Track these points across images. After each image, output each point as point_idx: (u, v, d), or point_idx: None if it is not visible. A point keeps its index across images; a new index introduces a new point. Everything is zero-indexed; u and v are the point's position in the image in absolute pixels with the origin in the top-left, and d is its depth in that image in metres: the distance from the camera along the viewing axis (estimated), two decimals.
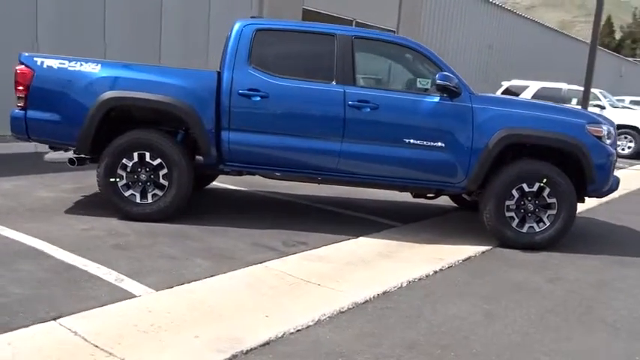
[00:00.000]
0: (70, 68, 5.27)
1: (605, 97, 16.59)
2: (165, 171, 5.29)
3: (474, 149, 5.22)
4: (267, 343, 3.15)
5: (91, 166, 7.68)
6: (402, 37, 5.60)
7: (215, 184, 7.21)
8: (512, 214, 5.33)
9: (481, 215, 5.43)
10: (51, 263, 4.09)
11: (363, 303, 3.81)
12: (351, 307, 3.73)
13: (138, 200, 5.32)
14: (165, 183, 5.30)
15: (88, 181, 6.95)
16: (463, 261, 4.93)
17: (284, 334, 3.27)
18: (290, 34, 5.49)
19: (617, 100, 18.76)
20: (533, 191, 5.29)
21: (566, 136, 5.21)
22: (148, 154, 5.28)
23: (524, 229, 5.35)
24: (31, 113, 5.30)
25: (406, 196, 6.55)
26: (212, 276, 4.09)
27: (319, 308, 3.66)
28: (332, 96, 5.25)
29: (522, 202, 5.33)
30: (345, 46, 5.32)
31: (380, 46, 5.64)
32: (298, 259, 4.64)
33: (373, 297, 3.92)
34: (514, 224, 5.33)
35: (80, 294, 3.59)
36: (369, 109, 5.22)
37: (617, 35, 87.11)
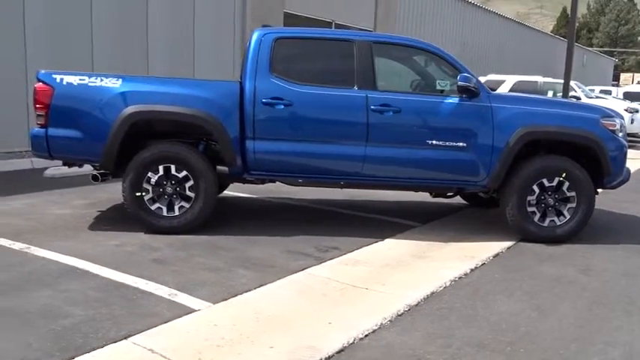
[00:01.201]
0: (90, 84, 5.21)
1: (579, 87, 17.04)
2: (191, 183, 5.28)
3: (495, 148, 5.35)
4: (342, 350, 3.21)
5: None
6: (418, 40, 5.70)
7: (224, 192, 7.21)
8: (534, 208, 5.48)
9: (503, 211, 5.57)
10: (99, 282, 4.06)
11: (417, 305, 3.89)
12: (407, 309, 3.80)
13: (164, 213, 5.30)
14: (192, 195, 5.30)
15: (97, 196, 6.90)
16: (493, 257, 5.05)
17: (354, 340, 3.32)
18: (309, 42, 5.55)
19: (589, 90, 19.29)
20: (553, 186, 5.45)
21: (584, 131, 5.39)
22: (173, 167, 5.26)
23: (546, 223, 5.50)
24: (52, 131, 5.23)
25: (414, 196, 6.66)
26: (261, 286, 4.12)
27: (377, 312, 3.73)
28: (354, 101, 5.32)
29: (543, 197, 5.48)
30: (364, 52, 5.39)
31: (397, 50, 5.73)
32: (337, 265, 4.70)
33: (424, 298, 4.01)
34: (536, 219, 5.49)
35: (141, 311, 3.58)
36: (391, 113, 5.31)
37: None
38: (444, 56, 5.51)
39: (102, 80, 5.22)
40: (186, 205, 5.31)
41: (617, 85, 40.21)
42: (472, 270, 4.68)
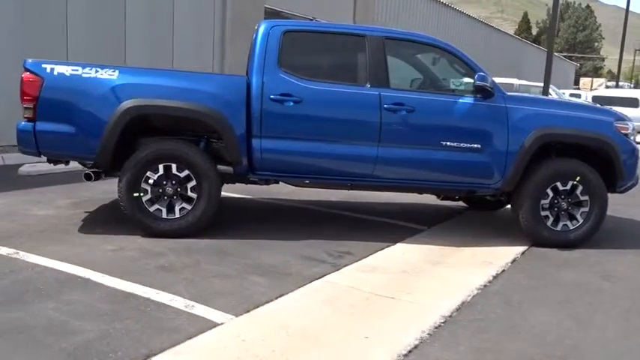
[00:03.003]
0: (84, 75, 4.82)
1: (554, 91, 17.22)
2: (193, 183, 4.94)
3: (510, 150, 5.18)
4: None
5: (77, 179, 7.24)
6: (431, 37, 5.47)
7: None
8: (547, 213, 5.34)
9: (515, 215, 5.41)
10: (104, 292, 3.70)
11: (451, 316, 3.66)
12: (442, 320, 3.57)
13: (164, 215, 4.95)
14: (194, 196, 4.96)
15: (80, 195, 6.50)
16: (511, 263, 4.88)
17: (399, 357, 3.08)
18: (318, 36, 5.27)
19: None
20: (566, 189, 5.32)
21: (600, 134, 5.27)
22: (174, 166, 4.91)
23: (559, 228, 5.36)
24: (40, 125, 4.82)
25: (412, 198, 6.48)
26: (282, 295, 3.83)
27: (412, 324, 3.50)
28: (367, 99, 5.07)
29: (556, 201, 5.34)
30: (376, 48, 5.14)
31: (410, 47, 5.51)
32: (354, 271, 4.44)
33: (456, 308, 3.79)
34: (549, 223, 5.34)
35: (159, 325, 3.26)
36: (405, 112, 5.08)
37: (534, 31, 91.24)
38: (457, 54, 5.31)
39: (97, 71, 4.84)
40: (188, 207, 4.97)
41: (578, 89, 41.18)
42: (495, 277, 4.49)
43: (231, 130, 4.91)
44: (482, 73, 5.08)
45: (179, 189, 4.96)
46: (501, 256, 5.06)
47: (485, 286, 4.27)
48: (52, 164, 5.50)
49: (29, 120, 4.83)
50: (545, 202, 5.32)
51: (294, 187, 5.72)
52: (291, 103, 4.97)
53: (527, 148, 5.17)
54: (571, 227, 5.37)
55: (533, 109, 5.28)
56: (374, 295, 3.96)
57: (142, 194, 4.90)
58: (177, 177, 4.94)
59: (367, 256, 4.82)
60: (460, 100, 5.18)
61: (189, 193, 4.96)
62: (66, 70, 4.82)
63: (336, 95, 5.06)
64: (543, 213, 5.33)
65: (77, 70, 4.83)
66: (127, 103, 4.77)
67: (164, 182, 4.94)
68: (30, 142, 4.85)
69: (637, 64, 70.76)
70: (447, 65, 5.41)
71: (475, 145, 5.17)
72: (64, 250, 4.48)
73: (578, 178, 5.28)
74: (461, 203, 7.12)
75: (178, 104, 4.81)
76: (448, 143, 5.14)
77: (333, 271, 4.38)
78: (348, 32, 5.25)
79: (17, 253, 4.35)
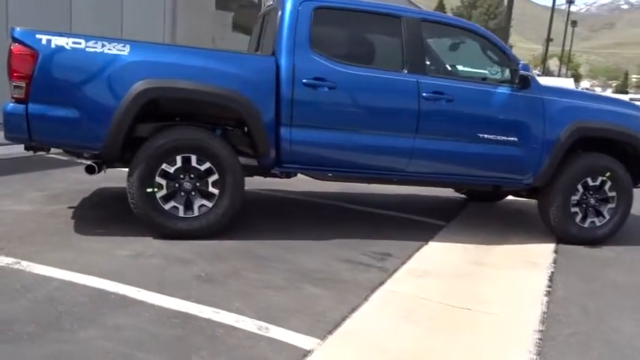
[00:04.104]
0: (88, 49, 4.07)
1: None
2: (215, 177, 4.35)
3: (546, 143, 4.94)
4: None
5: (28, 165, 6.39)
6: (469, 22, 5.12)
7: None
8: (577, 209, 5.18)
9: (544, 212, 5.21)
10: (152, 312, 3.10)
11: (543, 330, 3.35)
12: (539, 337, 3.26)
13: (181, 214, 4.33)
14: (216, 192, 4.36)
15: (51, 186, 5.73)
16: (553, 263, 4.67)
17: None
18: (352, 14, 4.73)
19: None
20: (596, 185, 5.17)
21: (631, 130, 5.14)
22: (194, 158, 4.29)
23: (586, 224, 5.22)
24: (34, 108, 4.04)
25: (405, 188, 6.12)
26: (353, 311, 3.38)
27: (511, 342, 3.18)
28: (405, 87, 4.65)
29: (585, 197, 5.19)
30: (413, 30, 4.71)
31: (447, 31, 5.10)
32: (408, 277, 4.06)
33: (540, 321, 3.49)
34: (577, 220, 5.19)
35: (243, 355, 2.73)
36: (444, 102, 4.70)
37: None
38: (494, 41, 4.98)
39: (104, 45, 4.10)
40: (208, 205, 4.37)
41: None
42: (550, 280, 4.25)
43: (260, 117, 4.35)
44: (524, 63, 4.79)
45: (198, 184, 4.35)
46: (538, 255, 4.86)
47: (548, 291, 4.01)
48: (30, 151, 4.70)
49: (19, 101, 4.03)
50: (575, 198, 5.15)
51: (291, 179, 5.23)
52: (326, 89, 4.47)
53: (563, 143, 4.96)
54: (598, 224, 5.24)
55: (568, 101, 5.07)
56: (446, 306, 3.59)
57: (156, 190, 4.24)
58: (196, 170, 4.32)
59: (408, 258, 4.44)
60: (498, 90, 4.87)
61: (211, 189, 4.36)
62: (66, 42, 4.05)
63: (373, 81, 4.60)
64: (573, 209, 5.16)
65: (79, 44, 4.07)
66: (142, 84, 4.08)
67: (181, 176, 4.31)
68: (20, 127, 4.06)
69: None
70: (483, 52, 5.06)
71: (512, 139, 4.89)
72: (73, 257, 3.79)
73: (608, 174, 5.15)
74: (457, 193, 6.91)
75: (204, 88, 4.18)
76: (486, 136, 4.83)
77: (387, 278, 3.97)
78: (383, 12, 4.75)
79: (18, 262, 3.61)
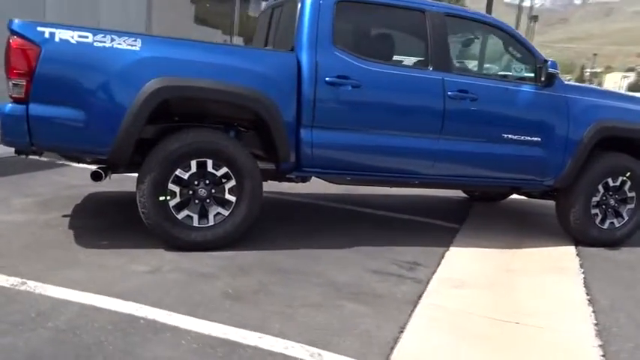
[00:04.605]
0: (96, 44, 3.69)
1: None
2: (232, 183, 4.03)
3: (569, 144, 4.79)
4: None
5: (20, 167, 5.94)
6: (493, 18, 4.89)
7: None
8: (597, 210, 5.05)
9: (564, 214, 5.07)
10: (191, 339, 2.78)
11: (605, 346, 3.17)
12: (601, 353, 3.08)
13: (196, 223, 4.00)
14: (233, 199, 4.04)
15: (35, 191, 5.32)
16: (581, 268, 4.53)
17: None
18: (375, 8, 4.45)
19: None
20: (616, 185, 5.05)
21: None
22: (210, 162, 3.96)
23: (606, 226, 5.10)
24: (36, 109, 3.63)
25: (408, 188, 5.88)
26: (401, 330, 3.13)
27: None
28: (431, 85, 4.41)
29: (604, 198, 5.06)
30: (438, 25, 4.47)
31: (471, 27, 4.89)
32: (445, 288, 3.83)
33: (595, 334, 3.32)
34: (597, 221, 5.06)
35: None
36: (468, 101, 4.49)
37: None
38: (519, 38, 4.79)
39: (113, 40, 3.72)
40: (225, 213, 4.04)
41: None
42: (585, 287, 4.09)
43: (281, 118, 4.04)
44: (552, 60, 4.60)
45: (214, 190, 4.02)
46: (562, 259, 4.73)
47: (589, 300, 3.85)
48: (22, 156, 4.29)
49: (18, 101, 3.63)
50: (596, 199, 5.02)
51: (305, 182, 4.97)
52: (349, 87, 4.19)
53: (587, 143, 4.81)
54: (617, 225, 5.13)
55: (592, 99, 4.92)
56: (494, 321, 3.38)
57: (169, 197, 3.90)
58: (212, 176, 3.99)
59: (437, 266, 4.23)
60: (523, 89, 4.68)
61: (227, 196, 4.04)
62: (71, 36, 3.65)
63: (398, 79, 4.34)
64: (593, 211, 5.03)
65: (86, 38, 3.68)
66: (156, 83, 3.72)
67: (195, 182, 3.97)
68: (19, 131, 3.64)
69: None
70: (506, 49, 4.86)
71: (536, 139, 4.71)
72: (85, 275, 3.42)
73: (628, 174, 5.03)
74: (460, 193, 6.75)
75: (226, 87, 3.84)
76: (510, 136, 4.64)
77: (424, 290, 3.74)
78: (406, 6, 4.49)
79: (25, 283, 3.23)
